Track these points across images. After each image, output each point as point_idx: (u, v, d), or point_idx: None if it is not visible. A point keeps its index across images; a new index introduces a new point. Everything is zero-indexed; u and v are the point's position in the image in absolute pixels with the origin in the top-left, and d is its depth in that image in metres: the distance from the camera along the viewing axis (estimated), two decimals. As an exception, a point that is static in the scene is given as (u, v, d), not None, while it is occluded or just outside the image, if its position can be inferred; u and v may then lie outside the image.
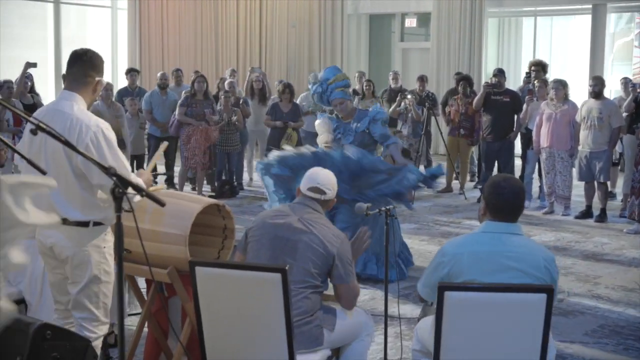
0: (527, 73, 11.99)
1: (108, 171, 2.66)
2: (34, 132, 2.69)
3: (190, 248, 4.41)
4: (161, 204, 2.93)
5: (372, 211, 4.69)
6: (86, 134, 3.86)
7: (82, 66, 4.08)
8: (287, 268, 3.51)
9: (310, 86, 7.59)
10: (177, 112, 11.17)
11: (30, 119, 2.49)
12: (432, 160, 13.12)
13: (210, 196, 11.43)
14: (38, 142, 3.91)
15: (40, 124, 2.34)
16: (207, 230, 4.81)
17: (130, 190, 2.83)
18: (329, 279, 4.18)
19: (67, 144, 2.49)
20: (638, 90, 10.57)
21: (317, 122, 7.62)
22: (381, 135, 7.29)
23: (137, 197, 3.36)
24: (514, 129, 11.17)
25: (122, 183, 2.72)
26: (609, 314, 6.41)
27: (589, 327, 6.07)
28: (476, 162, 12.91)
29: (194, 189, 11.92)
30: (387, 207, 4.75)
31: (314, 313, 4.03)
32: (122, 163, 3.92)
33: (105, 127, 3.98)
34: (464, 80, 12.16)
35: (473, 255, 3.58)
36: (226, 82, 12.48)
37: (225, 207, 4.69)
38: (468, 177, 12.96)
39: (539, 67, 11.59)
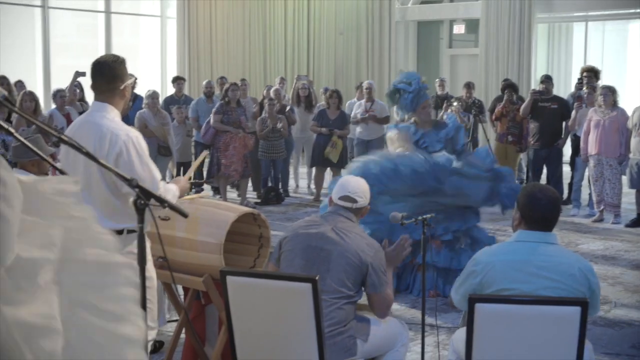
0: (579, 79, 11.79)
1: (130, 183, 2.67)
2: (56, 144, 2.72)
3: (226, 256, 4.43)
4: (184, 215, 2.94)
5: (408, 220, 4.64)
6: (116, 143, 3.90)
7: (104, 78, 4.10)
8: (317, 278, 3.49)
9: (401, 85, 7.06)
10: (212, 119, 11.13)
11: (52, 130, 2.51)
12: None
13: (256, 203, 11.51)
14: (73, 152, 3.95)
15: (62, 136, 2.36)
16: (243, 238, 4.82)
17: (152, 201, 2.84)
18: (363, 289, 4.15)
19: (88, 155, 2.50)
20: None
21: (390, 134, 7.24)
22: (462, 148, 7.14)
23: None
24: (562, 136, 11.01)
25: (144, 194, 2.73)
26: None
27: (637, 340, 5.93)
28: (525, 169, 12.73)
29: (239, 195, 11.97)
30: (424, 217, 4.69)
31: (347, 323, 3.99)
32: (150, 173, 3.94)
33: (135, 135, 4.01)
34: (509, 87, 12.03)
35: (506, 264, 3.53)
36: (272, 90, 12.53)
37: (261, 216, 4.69)
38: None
39: (591, 73, 11.38)
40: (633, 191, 10.09)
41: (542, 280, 3.46)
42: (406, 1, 18.88)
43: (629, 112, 9.96)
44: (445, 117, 7.48)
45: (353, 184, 4.30)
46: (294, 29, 19.65)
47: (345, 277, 3.98)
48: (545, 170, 11.16)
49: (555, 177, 10.92)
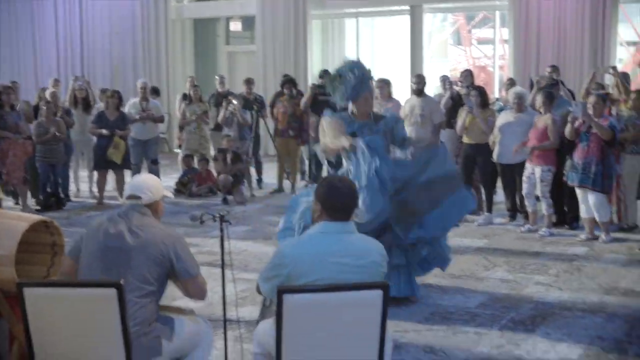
0: None
1: None
2: None
3: (16, 267, 4.23)
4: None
5: (207, 218, 4.66)
6: None
7: None
8: (122, 282, 3.44)
9: (342, 72, 6.62)
10: None
11: None
12: (262, 162, 13.20)
13: (35, 210, 11.02)
14: None
15: None
16: (34, 247, 4.63)
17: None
18: (168, 281, 4.12)
19: None
20: (454, 87, 11.05)
21: (323, 121, 6.77)
22: (403, 138, 6.83)
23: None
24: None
25: None
26: (440, 301, 6.68)
27: (422, 315, 6.31)
28: (306, 161, 13.09)
29: (17, 203, 11.42)
30: (221, 214, 4.74)
31: (152, 323, 3.96)
32: None
33: None
34: (289, 82, 12.33)
35: (313, 256, 3.62)
36: (48, 92, 12.05)
37: (54, 223, 4.54)
38: (298, 177, 13.14)
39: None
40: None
41: (349, 268, 3.60)
42: (181, -1, 18.80)
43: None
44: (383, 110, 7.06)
45: (137, 181, 4.30)
46: (66, 29, 18.99)
47: (148, 272, 3.95)
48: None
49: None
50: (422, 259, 6.62)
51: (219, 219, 4.75)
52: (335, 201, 3.70)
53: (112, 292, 3.41)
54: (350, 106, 6.79)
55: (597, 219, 8.69)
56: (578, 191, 8.78)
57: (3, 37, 18.43)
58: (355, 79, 6.59)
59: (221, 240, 4.78)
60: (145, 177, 4.44)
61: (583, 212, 8.86)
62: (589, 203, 8.66)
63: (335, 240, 3.68)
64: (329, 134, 6.64)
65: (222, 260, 4.84)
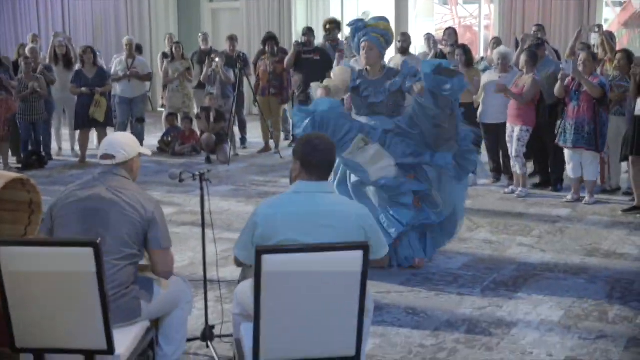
0: (325, 30, 12.18)
1: None
2: None
3: (-7, 226, 4.17)
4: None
5: (186, 177, 4.60)
6: None
7: None
8: (99, 241, 3.37)
9: (351, 21, 6.71)
10: None
11: None
12: (246, 122, 13.09)
13: (17, 168, 10.93)
14: None
15: None
16: (11, 205, 4.56)
17: None
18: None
19: None
20: (439, 46, 10.95)
21: (336, 67, 6.74)
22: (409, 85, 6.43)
23: None
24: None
25: None
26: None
27: (404, 277, 6.29)
28: (290, 121, 12.99)
29: (-3, 161, 11.32)
30: (201, 172, 4.69)
31: (130, 285, 3.91)
32: None
33: None
34: (271, 39, 12.16)
35: (287, 215, 3.57)
36: (27, 48, 11.86)
37: (30, 181, 4.45)
38: (283, 136, 13.07)
39: (334, 25, 11.85)
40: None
41: (324, 229, 3.54)
42: (164, -45, 18.49)
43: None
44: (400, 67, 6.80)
45: (110, 140, 4.17)
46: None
47: (127, 235, 3.87)
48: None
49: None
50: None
51: (198, 177, 4.70)
52: (312, 158, 3.63)
53: (89, 251, 3.34)
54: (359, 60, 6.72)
55: (585, 177, 8.67)
56: (567, 151, 8.75)
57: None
58: (353, 25, 6.58)
59: (201, 199, 4.73)
60: (118, 135, 4.34)
61: (570, 172, 8.84)
62: (578, 162, 8.63)
63: (309, 199, 3.61)
64: (333, 80, 6.60)
65: (203, 219, 4.80)
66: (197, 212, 8.24)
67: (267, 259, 3.24)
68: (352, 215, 3.64)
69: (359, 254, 3.29)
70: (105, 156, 4.09)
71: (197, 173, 4.71)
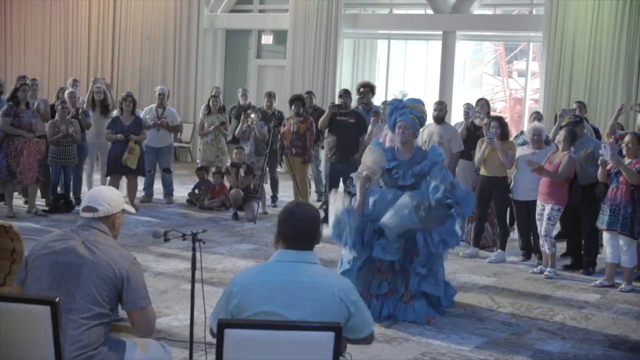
0: (359, 94, 12.00)
1: None
2: None
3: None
4: None
5: (173, 236, 4.40)
6: None
7: None
8: (57, 300, 3.17)
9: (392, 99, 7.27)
10: (0, 122, 10.43)
11: None
12: (278, 179, 12.91)
13: (43, 211, 10.89)
14: None
15: None
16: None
17: None
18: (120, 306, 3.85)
19: None
20: (470, 117, 10.60)
21: (369, 147, 7.15)
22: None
23: None
24: (359, 150, 11.12)
25: None
26: (432, 341, 6.34)
27: (411, 354, 5.97)
28: (323, 181, 12.80)
29: (26, 202, 11.28)
30: (193, 232, 4.49)
31: (98, 347, 3.68)
32: None
33: None
34: (297, 100, 12.03)
35: (264, 285, 3.34)
36: (66, 92, 11.92)
37: (13, 228, 4.31)
38: (315, 197, 12.85)
39: (368, 88, 11.66)
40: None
41: (301, 302, 3.30)
42: (215, 9, 18.65)
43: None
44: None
45: (95, 193, 4.02)
46: (99, 30, 18.99)
47: (97, 293, 3.67)
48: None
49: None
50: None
51: (190, 237, 4.50)
52: (288, 228, 3.43)
53: (46, 309, 3.14)
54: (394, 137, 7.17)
55: (622, 264, 8.27)
56: (605, 234, 8.39)
57: (37, 34, 18.43)
58: (391, 104, 7.08)
59: (192, 260, 4.54)
60: (104, 189, 4.19)
61: (608, 256, 8.42)
62: (616, 247, 8.25)
63: (289, 269, 3.38)
64: (365, 162, 6.98)
65: (193, 280, 4.59)
66: (211, 269, 8.08)
67: (229, 333, 3.01)
68: (334, 288, 3.39)
69: (330, 336, 3.03)
70: (87, 208, 3.92)
71: (188, 233, 4.52)
